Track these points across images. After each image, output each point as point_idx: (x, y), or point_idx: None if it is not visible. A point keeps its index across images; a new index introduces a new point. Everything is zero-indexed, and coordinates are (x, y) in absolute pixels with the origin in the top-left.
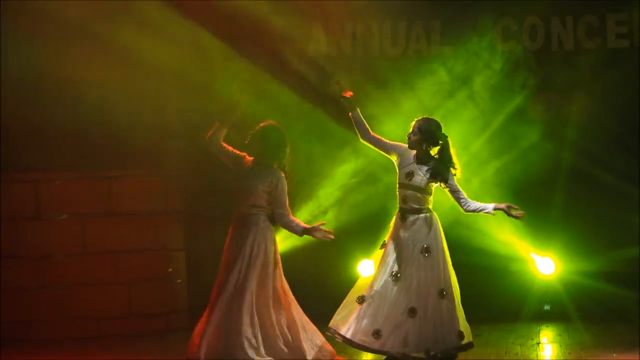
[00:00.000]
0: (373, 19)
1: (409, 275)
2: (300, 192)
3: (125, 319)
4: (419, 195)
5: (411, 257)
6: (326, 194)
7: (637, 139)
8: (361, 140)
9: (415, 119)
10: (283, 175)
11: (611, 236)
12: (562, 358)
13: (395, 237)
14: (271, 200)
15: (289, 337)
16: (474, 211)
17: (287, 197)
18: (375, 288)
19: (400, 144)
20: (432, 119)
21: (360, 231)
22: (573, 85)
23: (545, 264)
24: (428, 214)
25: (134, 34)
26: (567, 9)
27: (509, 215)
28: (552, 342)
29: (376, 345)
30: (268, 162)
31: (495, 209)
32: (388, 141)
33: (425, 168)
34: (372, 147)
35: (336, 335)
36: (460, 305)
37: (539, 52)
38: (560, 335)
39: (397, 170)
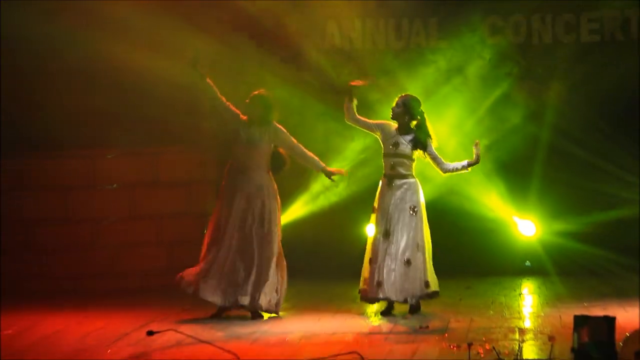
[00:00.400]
0: (380, 17)
1: (402, 231)
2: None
3: (166, 274)
4: (406, 162)
5: (401, 215)
6: (338, 167)
7: (604, 120)
8: (346, 120)
9: (399, 95)
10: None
11: (583, 202)
12: (540, 307)
13: (384, 200)
14: (282, 145)
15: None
16: (451, 171)
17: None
18: (375, 248)
19: (382, 121)
20: (413, 96)
21: (367, 199)
22: (551, 74)
23: (526, 226)
24: (413, 180)
25: (173, 28)
26: (547, 7)
27: (478, 158)
28: (532, 293)
29: (380, 294)
30: (266, 122)
31: (469, 164)
32: (371, 120)
33: (408, 138)
34: (356, 126)
35: (366, 299)
36: (431, 259)
37: (522, 45)
38: (539, 287)
39: (382, 144)
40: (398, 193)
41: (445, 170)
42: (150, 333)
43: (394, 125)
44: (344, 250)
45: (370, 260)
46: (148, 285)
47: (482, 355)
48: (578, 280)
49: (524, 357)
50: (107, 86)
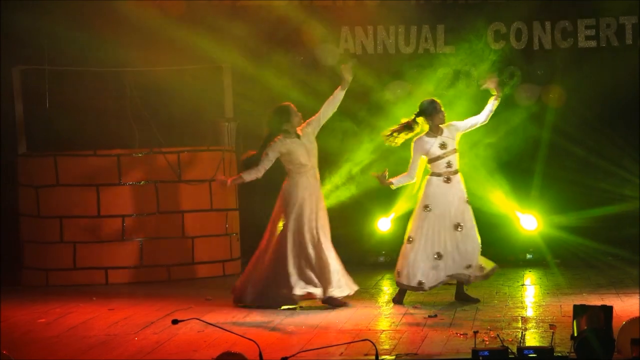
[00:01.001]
0: (390, 24)
1: (469, 220)
2: (333, 162)
3: (190, 265)
4: (457, 155)
5: (465, 207)
6: (352, 166)
7: (601, 120)
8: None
9: (430, 100)
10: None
11: (581, 198)
12: (541, 296)
13: (445, 197)
14: (317, 127)
15: None
16: (488, 115)
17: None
18: (448, 244)
19: (417, 144)
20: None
21: (378, 195)
22: (551, 78)
23: (528, 221)
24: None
25: (199, 36)
26: (546, 15)
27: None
28: (534, 284)
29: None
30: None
31: (495, 99)
32: (415, 158)
33: (444, 133)
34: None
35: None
36: None
37: (524, 51)
38: (540, 278)
39: (427, 156)
40: (457, 188)
41: (485, 118)
42: (175, 322)
43: (422, 134)
44: (357, 245)
45: (439, 255)
46: (173, 276)
47: (487, 343)
48: (577, 272)
49: (527, 344)
50: (133, 88)
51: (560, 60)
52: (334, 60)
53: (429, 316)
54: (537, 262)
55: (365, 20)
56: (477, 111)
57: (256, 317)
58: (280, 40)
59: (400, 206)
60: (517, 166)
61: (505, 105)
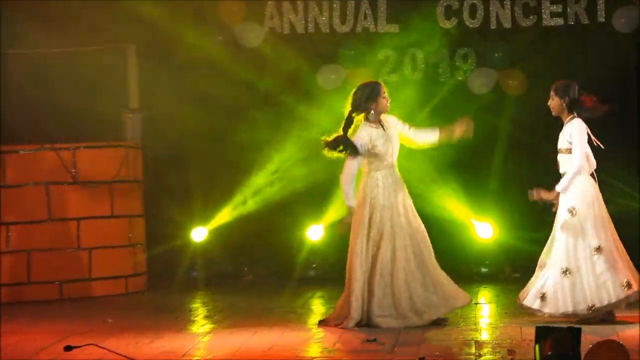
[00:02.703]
0: None
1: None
2: (255, 160)
3: (86, 282)
4: (568, 154)
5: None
6: (278, 163)
7: None
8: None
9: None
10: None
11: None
12: (498, 317)
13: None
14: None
15: None
16: None
17: None
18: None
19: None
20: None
21: (308, 197)
22: (511, 61)
23: (483, 229)
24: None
25: (100, 13)
26: None
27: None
28: (489, 302)
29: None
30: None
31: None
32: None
33: (565, 128)
34: None
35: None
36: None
37: (479, 30)
38: (497, 296)
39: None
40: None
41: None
42: (68, 348)
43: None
44: (283, 256)
45: (567, 270)
46: (66, 294)
47: None
48: None
49: None
50: (19, 74)
51: (522, 41)
52: (258, 40)
53: (367, 340)
54: (493, 277)
55: None
56: (423, 101)
57: (164, 342)
58: (194, 17)
59: (334, 212)
60: (470, 164)
61: (459, 93)
